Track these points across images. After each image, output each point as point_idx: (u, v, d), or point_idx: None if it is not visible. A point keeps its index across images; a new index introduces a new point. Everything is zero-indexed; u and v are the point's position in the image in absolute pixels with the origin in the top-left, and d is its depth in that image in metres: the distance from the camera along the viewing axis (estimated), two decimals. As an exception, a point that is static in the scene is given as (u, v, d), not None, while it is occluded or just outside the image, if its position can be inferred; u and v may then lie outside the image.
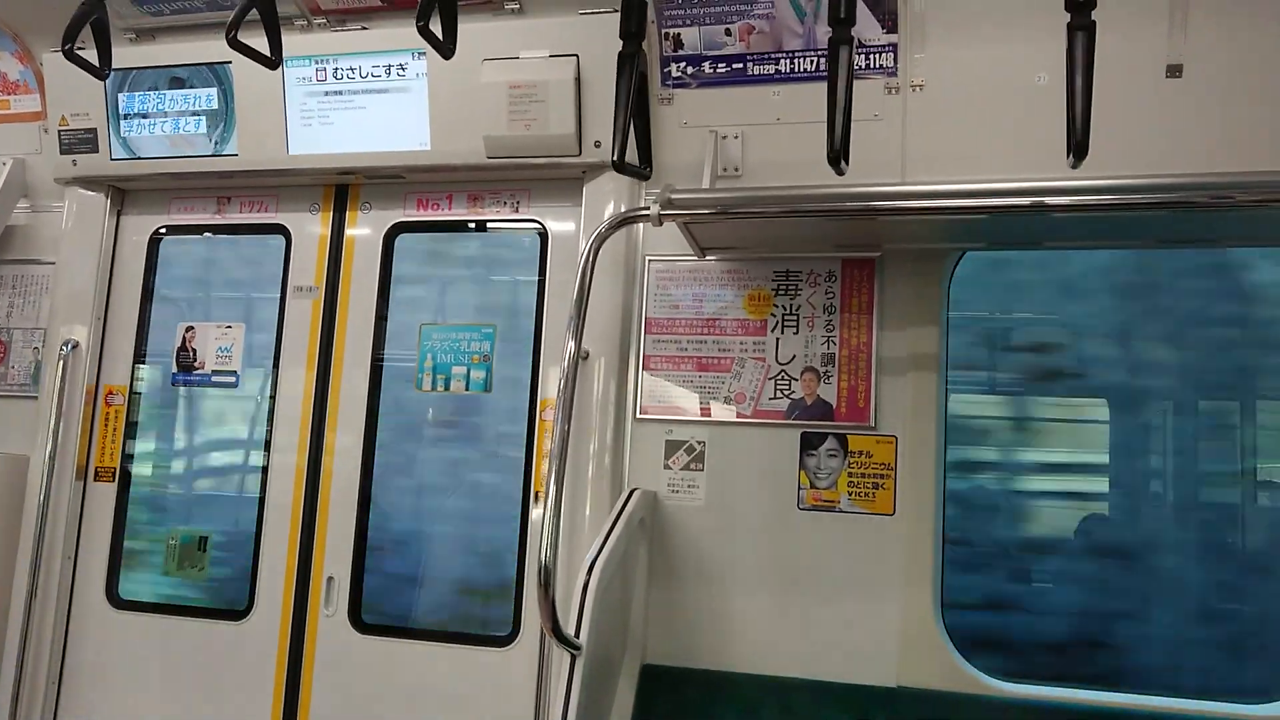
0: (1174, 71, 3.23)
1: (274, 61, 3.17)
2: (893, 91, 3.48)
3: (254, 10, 3.10)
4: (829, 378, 3.55)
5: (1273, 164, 2.95)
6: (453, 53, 2.93)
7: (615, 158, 3.10)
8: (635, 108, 3.24)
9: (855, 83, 2.87)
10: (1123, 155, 3.02)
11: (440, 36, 2.88)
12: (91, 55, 3.37)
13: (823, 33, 3.46)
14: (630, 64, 3.18)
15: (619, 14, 3.24)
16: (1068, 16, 2.57)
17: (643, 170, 3.52)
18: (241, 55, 3.11)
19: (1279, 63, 3.18)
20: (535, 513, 3.74)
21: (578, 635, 2.88)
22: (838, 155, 2.65)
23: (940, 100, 3.45)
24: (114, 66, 3.98)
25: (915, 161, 3.45)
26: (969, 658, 3.36)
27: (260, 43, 3.22)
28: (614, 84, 3.22)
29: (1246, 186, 2.73)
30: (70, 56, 3.19)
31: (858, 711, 3.33)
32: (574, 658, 2.87)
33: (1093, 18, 2.56)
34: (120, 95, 4.22)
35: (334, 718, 3.90)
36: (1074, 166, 2.58)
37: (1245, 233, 3.33)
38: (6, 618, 4.14)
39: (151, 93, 4.19)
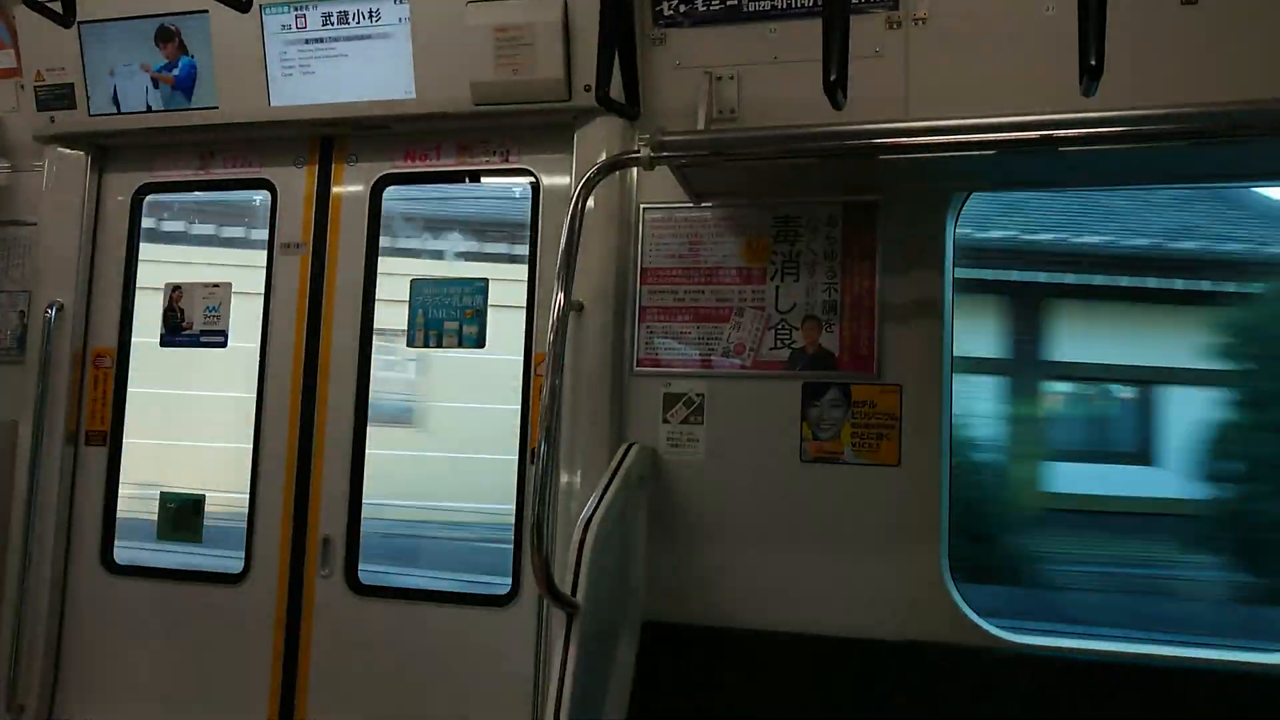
0: None
1: (244, 4, 3.05)
2: (894, 26, 3.35)
3: None
4: (831, 326, 3.45)
5: None
6: None
7: (599, 92, 2.97)
8: (621, 44, 3.11)
9: (855, 17, 2.75)
10: (1135, 86, 2.89)
11: None
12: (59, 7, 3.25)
13: (820, -34, 3.32)
14: None
15: None
16: None
17: (630, 109, 3.38)
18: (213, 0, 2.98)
19: None
20: (532, 470, 3.67)
21: (574, 594, 2.81)
22: (834, 85, 2.52)
23: (944, 34, 3.32)
24: (87, 18, 3.87)
25: (919, 98, 3.32)
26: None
27: None
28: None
29: (1264, 116, 2.61)
30: (31, 4, 3.07)
31: (864, 666, 3.27)
32: (571, 616, 2.81)
33: None
34: (96, 48, 4.07)
35: (333, 680, 3.86)
36: (1086, 94, 2.45)
37: (1261, 167, 3.21)
38: (1, 585, 4.09)
39: (128, 45, 4.05)
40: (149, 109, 4.07)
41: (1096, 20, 2.39)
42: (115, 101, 4.09)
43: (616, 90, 3.39)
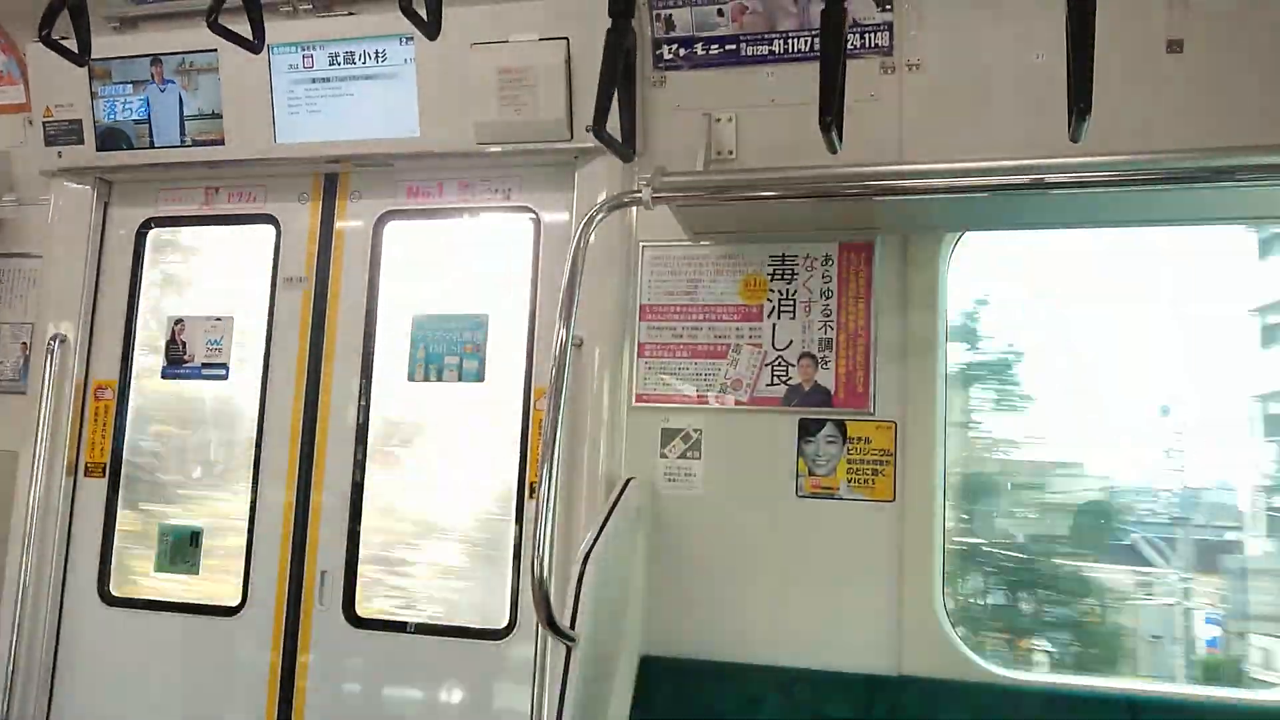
0: (1174, 47, 3.17)
1: (256, 45, 3.11)
2: (889, 71, 3.42)
3: None
4: (826, 363, 3.50)
5: (1275, 139, 2.89)
6: (438, 33, 2.87)
7: (596, 127, 3.03)
8: (621, 87, 3.17)
9: (851, 62, 2.81)
10: (1123, 132, 2.96)
11: (424, 17, 2.82)
12: (74, 44, 3.32)
13: (816, 12, 3.40)
14: (616, 40, 3.11)
15: None
16: None
17: (625, 149, 3.45)
18: (224, 40, 3.05)
19: None
20: (531, 504, 3.69)
21: (573, 627, 2.83)
22: (830, 129, 2.59)
23: (937, 80, 3.39)
24: (98, 56, 3.94)
25: (912, 142, 3.39)
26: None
27: (244, 29, 3.17)
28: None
29: (1248, 162, 2.68)
30: (47, 42, 3.13)
31: (860, 701, 3.28)
32: (569, 650, 2.83)
33: None
34: (105, 86, 4.15)
35: (329, 713, 3.86)
36: (1074, 139, 2.52)
37: (1248, 210, 3.28)
38: None
39: (137, 82, 4.12)
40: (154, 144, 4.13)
41: (1084, 67, 2.46)
42: (121, 138, 4.16)
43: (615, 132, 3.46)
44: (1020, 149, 2.96)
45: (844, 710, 3.28)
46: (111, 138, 4.18)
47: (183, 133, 4.10)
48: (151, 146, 4.15)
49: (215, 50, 3.96)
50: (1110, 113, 2.75)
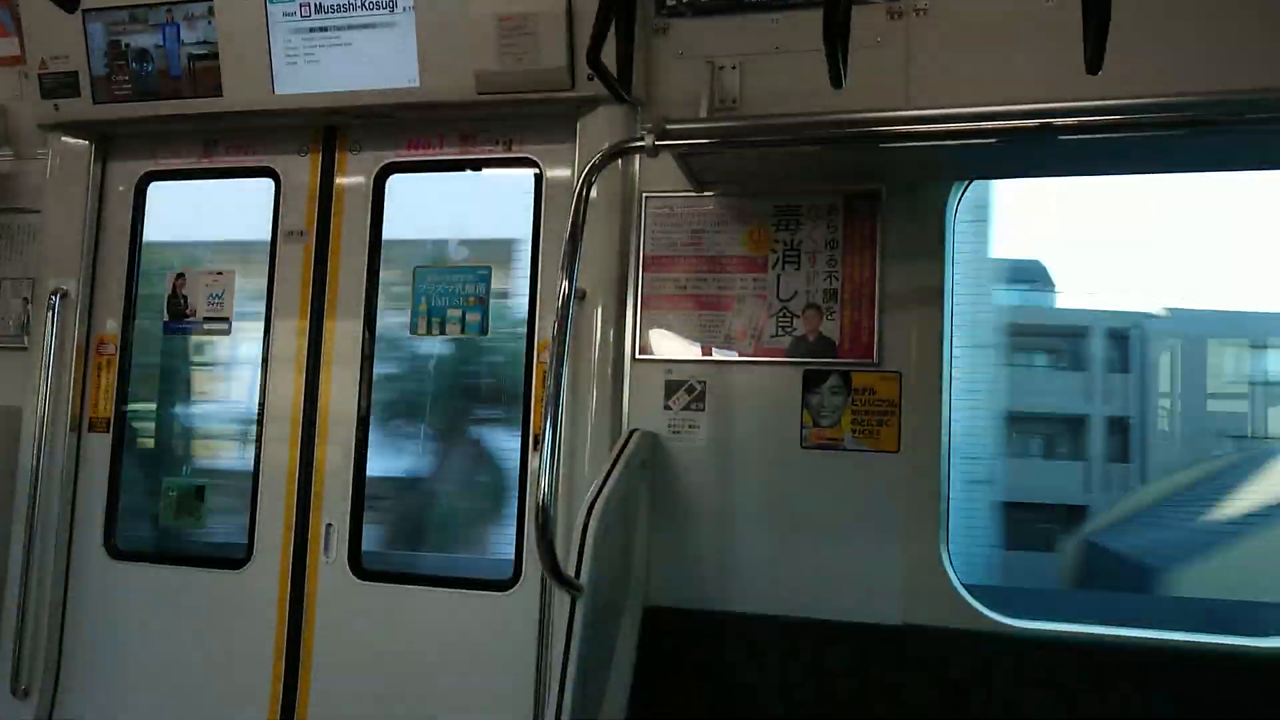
0: None
1: None
2: (895, 16, 3.36)
3: None
4: (831, 314, 3.48)
5: None
6: None
7: (590, 57, 2.97)
8: (619, 20, 3.10)
9: (856, 7, 2.76)
10: (1136, 77, 2.91)
11: None
12: None
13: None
14: None
15: None
16: None
17: (620, 86, 3.39)
18: None
19: None
20: (535, 456, 3.69)
21: (578, 577, 2.84)
22: (835, 64, 2.56)
23: (945, 24, 3.34)
24: (93, 5, 3.89)
25: (919, 88, 3.34)
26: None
27: None
28: None
29: (1261, 104, 2.63)
30: None
31: (863, 650, 3.31)
32: (574, 599, 2.84)
33: None
34: (101, 36, 4.08)
35: (336, 666, 3.89)
36: (1092, 73, 2.47)
37: (1259, 155, 3.23)
38: (5, 571, 4.11)
39: (133, 32, 4.06)
40: (150, 93, 4.08)
41: (1098, 10, 2.41)
42: (117, 89, 4.10)
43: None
44: (1029, 94, 2.92)
45: (848, 659, 3.30)
46: (107, 89, 4.12)
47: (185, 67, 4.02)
48: (148, 98, 4.09)
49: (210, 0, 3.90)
50: (1122, 56, 2.70)
